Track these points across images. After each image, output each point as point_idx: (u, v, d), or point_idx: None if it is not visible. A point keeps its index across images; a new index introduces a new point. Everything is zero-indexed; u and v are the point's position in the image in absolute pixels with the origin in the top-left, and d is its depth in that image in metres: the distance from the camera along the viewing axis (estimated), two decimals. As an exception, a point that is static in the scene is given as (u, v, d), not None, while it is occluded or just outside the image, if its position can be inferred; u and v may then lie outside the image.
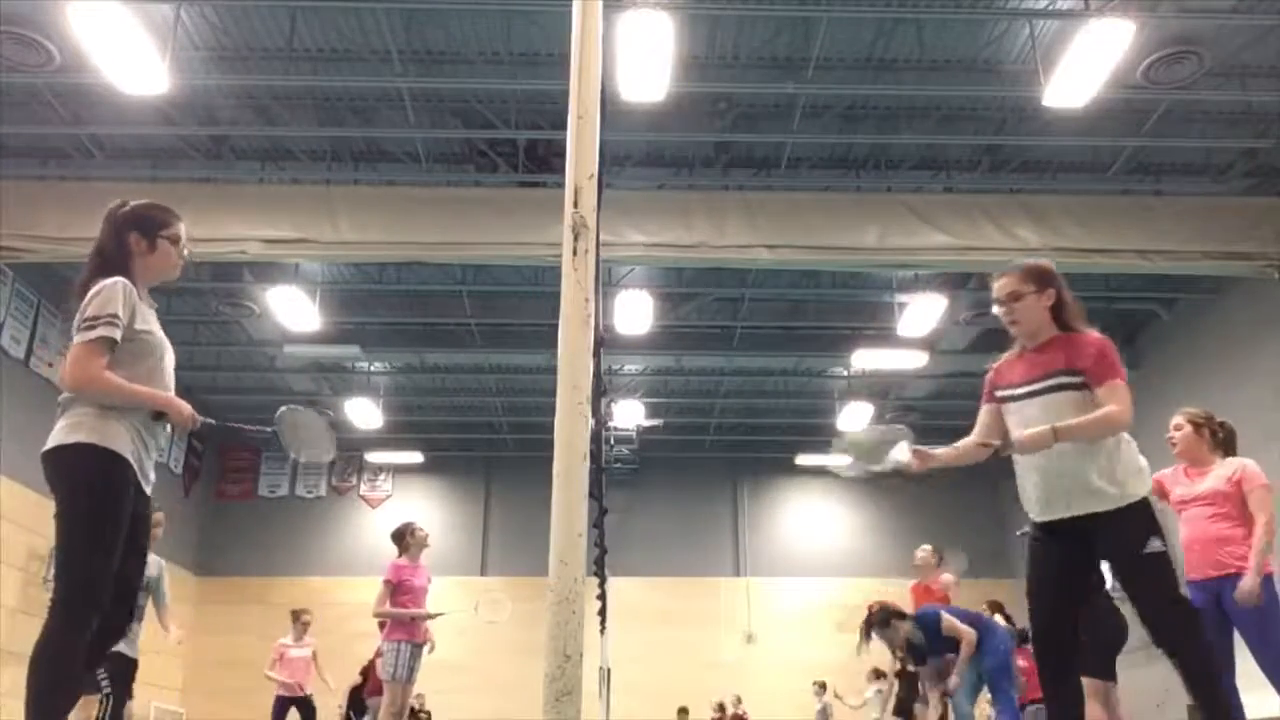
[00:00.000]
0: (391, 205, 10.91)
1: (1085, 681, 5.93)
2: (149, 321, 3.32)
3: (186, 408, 3.30)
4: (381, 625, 7.69)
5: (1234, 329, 12.93)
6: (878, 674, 12.95)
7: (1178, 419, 5.26)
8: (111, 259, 3.35)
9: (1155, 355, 14.72)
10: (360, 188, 11.32)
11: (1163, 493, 5.19)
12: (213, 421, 3.50)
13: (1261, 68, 9.86)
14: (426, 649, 7.53)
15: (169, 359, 3.39)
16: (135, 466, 3.23)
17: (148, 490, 3.35)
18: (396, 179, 11.48)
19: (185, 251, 3.53)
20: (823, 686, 14.63)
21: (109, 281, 3.22)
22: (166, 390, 3.34)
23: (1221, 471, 5.07)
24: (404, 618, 7.20)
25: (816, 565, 19.70)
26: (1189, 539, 5.04)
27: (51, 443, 3.22)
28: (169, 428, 3.39)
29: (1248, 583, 4.73)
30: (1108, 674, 5.97)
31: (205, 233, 10.45)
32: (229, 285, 13.43)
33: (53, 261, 11.56)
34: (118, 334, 3.16)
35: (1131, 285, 13.84)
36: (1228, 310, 13.11)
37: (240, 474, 20.17)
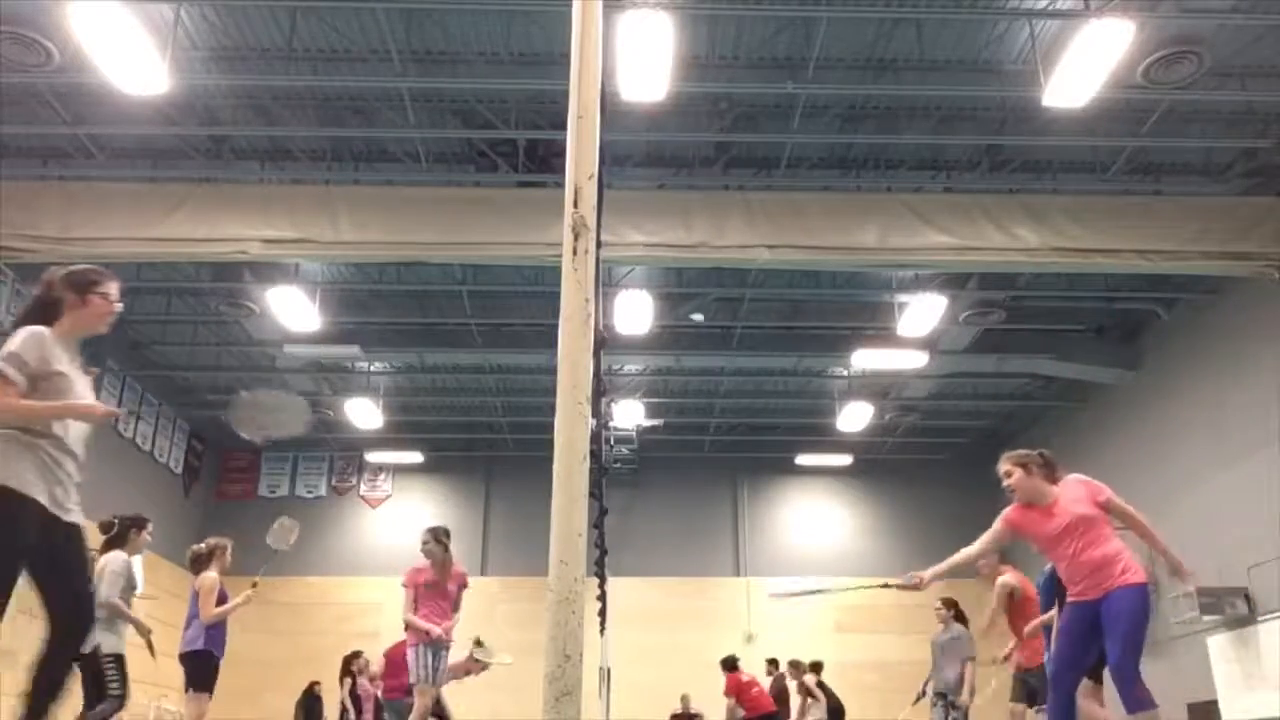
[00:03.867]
0: (391, 205, 10.91)
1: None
2: (64, 364, 3.62)
3: (97, 406, 3.67)
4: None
5: (1234, 329, 12.93)
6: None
7: (1005, 466, 5.40)
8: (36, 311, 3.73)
9: (1155, 355, 14.72)
10: (360, 188, 11.32)
11: (1014, 535, 5.33)
12: (120, 411, 3.94)
13: (1261, 68, 9.86)
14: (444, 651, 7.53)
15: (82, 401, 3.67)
16: (45, 500, 3.46)
17: (66, 517, 3.57)
18: (396, 179, 11.48)
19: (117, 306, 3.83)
20: (775, 664, 14.70)
21: (21, 331, 3.57)
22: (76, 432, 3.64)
23: (1071, 497, 5.12)
24: (419, 627, 7.25)
25: (816, 565, 19.69)
26: (1071, 572, 5.06)
27: None
28: (77, 455, 3.68)
29: (1184, 568, 5.05)
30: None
31: (205, 233, 10.48)
32: (229, 285, 13.42)
33: (52, 261, 11.55)
34: (17, 375, 3.45)
35: (1131, 285, 13.84)
36: (1228, 310, 13.11)
37: (240, 474, 20.18)
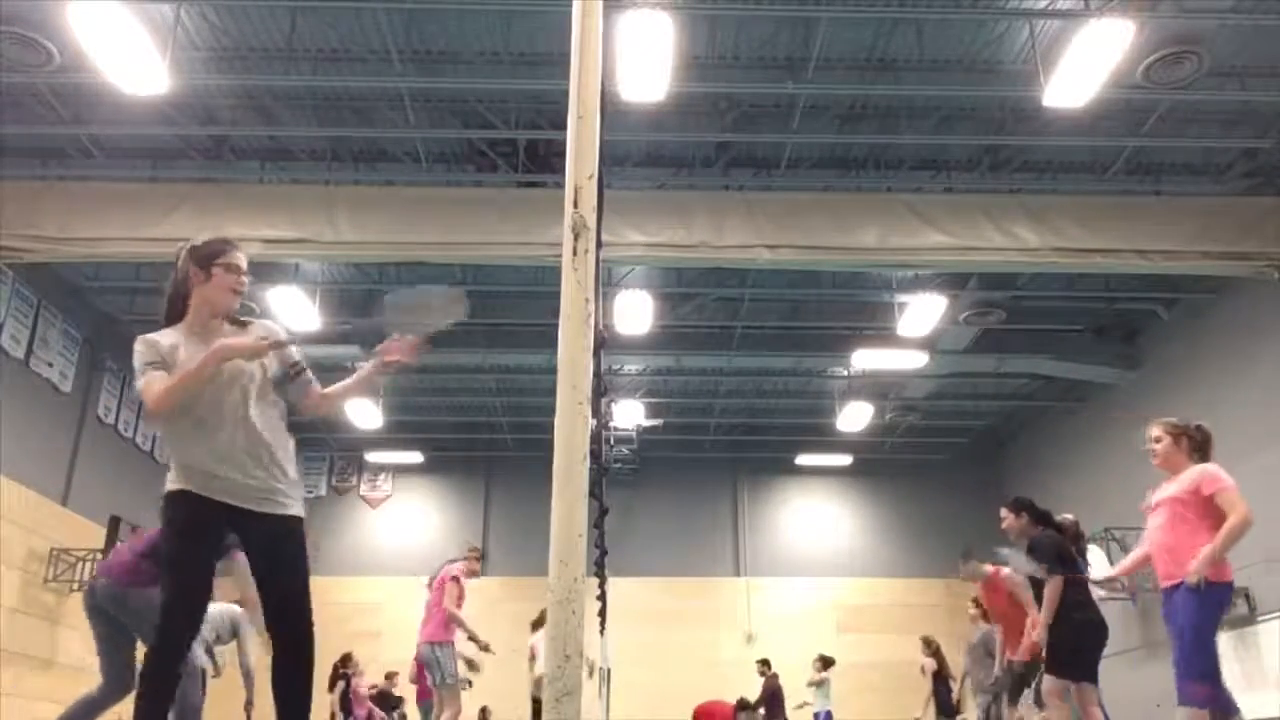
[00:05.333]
0: (391, 205, 10.91)
1: (1045, 680, 5.97)
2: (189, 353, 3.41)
3: (238, 341, 3.37)
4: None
5: (1234, 329, 12.93)
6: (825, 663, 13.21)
7: (1155, 431, 5.28)
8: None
9: (1155, 355, 14.72)
10: (360, 188, 11.32)
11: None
12: (284, 340, 3.62)
13: (1261, 68, 9.86)
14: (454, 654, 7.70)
15: (217, 390, 3.41)
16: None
17: (247, 505, 3.37)
18: (396, 179, 11.48)
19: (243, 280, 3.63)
20: (767, 664, 14.87)
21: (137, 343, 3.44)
22: (216, 417, 3.38)
23: (1184, 477, 5.08)
24: (466, 631, 7.46)
25: (816, 565, 19.71)
26: (1148, 550, 5.16)
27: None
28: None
29: (1192, 565, 4.80)
30: (1072, 674, 5.94)
31: (205, 233, 10.46)
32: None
33: (53, 261, 11.57)
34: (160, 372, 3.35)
35: (1131, 285, 13.83)
36: (1228, 310, 13.10)
37: (240, 474, 20.15)
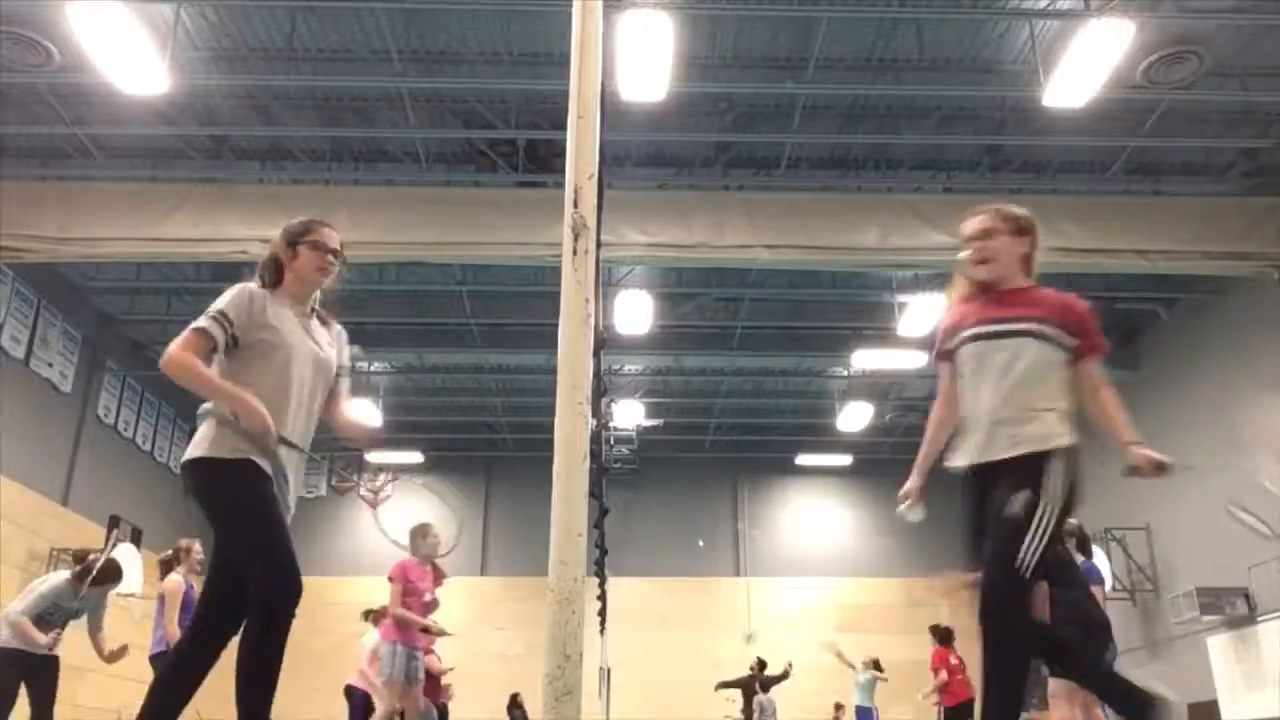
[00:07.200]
0: (391, 205, 10.90)
1: (1052, 682, 5.92)
2: (282, 322, 3.36)
3: (256, 413, 3.13)
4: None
5: (1234, 329, 12.93)
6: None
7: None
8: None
9: (1155, 355, 14.72)
10: (360, 188, 11.32)
11: None
12: (293, 444, 3.34)
13: (1261, 68, 9.86)
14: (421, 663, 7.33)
15: (297, 364, 3.37)
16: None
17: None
18: (396, 179, 11.47)
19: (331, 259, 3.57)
20: (763, 665, 14.75)
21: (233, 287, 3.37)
22: (283, 393, 3.29)
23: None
24: (413, 624, 7.06)
25: (816, 565, 19.70)
26: None
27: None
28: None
29: None
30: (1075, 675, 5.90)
31: (205, 233, 10.47)
32: (229, 285, 13.38)
33: (53, 261, 11.57)
34: (216, 330, 3.24)
35: (1131, 285, 13.83)
36: (1228, 310, 13.10)
37: (240, 474, 20.14)
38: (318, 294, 3.62)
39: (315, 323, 3.57)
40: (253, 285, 3.42)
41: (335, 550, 19.24)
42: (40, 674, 6.76)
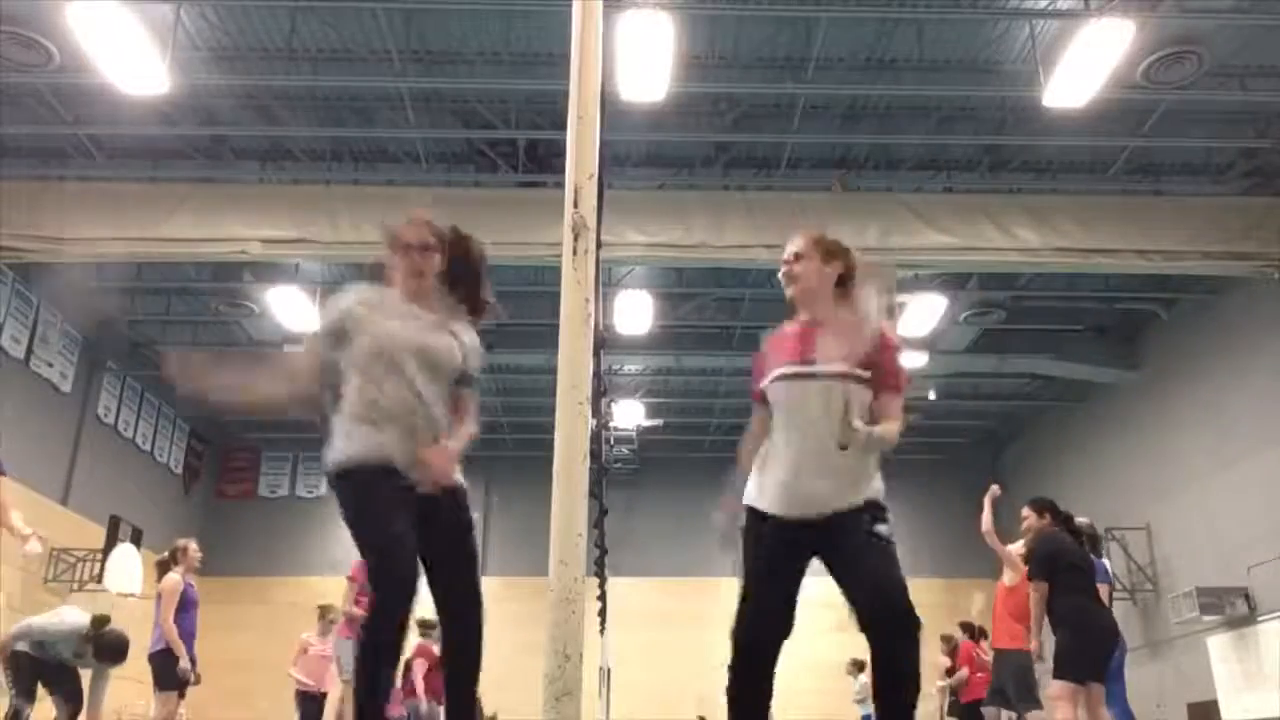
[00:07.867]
0: (391, 205, 10.89)
1: (1053, 684, 5.91)
2: (378, 326, 3.38)
3: (433, 463, 3.41)
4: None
5: (1234, 329, 12.93)
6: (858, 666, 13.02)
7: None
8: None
9: (1155, 355, 14.71)
10: (360, 188, 11.31)
11: None
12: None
13: (1261, 68, 9.86)
14: None
15: (410, 363, 3.43)
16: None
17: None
18: (396, 179, 11.47)
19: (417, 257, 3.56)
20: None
21: None
22: (405, 394, 3.42)
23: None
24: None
25: (816, 565, 19.67)
26: None
27: None
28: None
29: None
30: (1077, 676, 5.90)
31: (205, 233, 10.47)
32: (229, 285, 13.42)
33: (53, 261, 11.56)
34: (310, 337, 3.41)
35: (1131, 285, 13.83)
36: (1228, 310, 13.10)
37: (240, 474, 20.15)
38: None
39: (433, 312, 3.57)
40: (358, 293, 3.52)
41: (335, 550, 19.19)
42: (57, 679, 6.93)
